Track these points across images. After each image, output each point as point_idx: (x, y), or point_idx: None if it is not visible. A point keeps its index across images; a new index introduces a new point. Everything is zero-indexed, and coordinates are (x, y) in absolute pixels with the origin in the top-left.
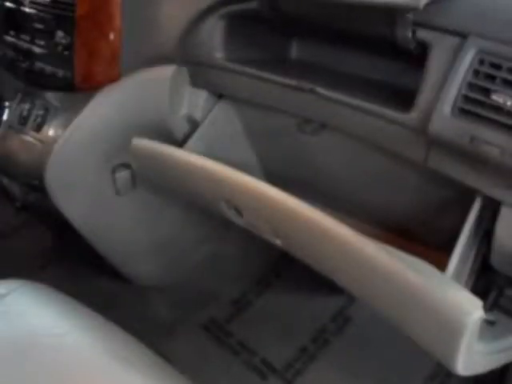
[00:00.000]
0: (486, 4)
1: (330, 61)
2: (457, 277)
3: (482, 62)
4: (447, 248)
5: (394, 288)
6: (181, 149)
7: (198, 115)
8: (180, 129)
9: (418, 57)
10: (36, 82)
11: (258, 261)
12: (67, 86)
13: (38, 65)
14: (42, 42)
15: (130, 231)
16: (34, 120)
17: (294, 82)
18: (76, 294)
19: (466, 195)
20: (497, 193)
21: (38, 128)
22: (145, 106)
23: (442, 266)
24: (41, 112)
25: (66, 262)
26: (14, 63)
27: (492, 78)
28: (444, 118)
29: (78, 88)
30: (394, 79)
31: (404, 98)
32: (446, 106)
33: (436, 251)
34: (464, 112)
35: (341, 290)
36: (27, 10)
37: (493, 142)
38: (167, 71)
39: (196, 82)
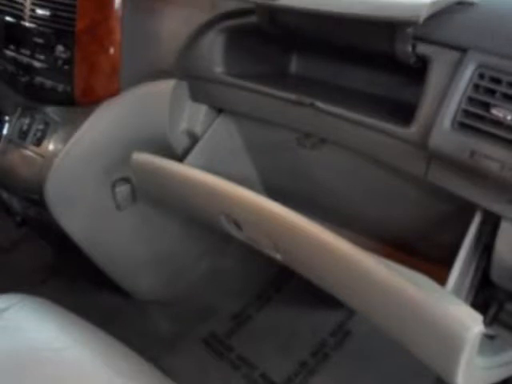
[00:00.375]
0: (486, 18)
1: (330, 75)
2: (457, 291)
3: (481, 76)
4: (447, 262)
5: (394, 302)
6: (181, 163)
7: (197, 129)
8: (180, 143)
9: (417, 71)
10: (36, 97)
11: (258, 275)
12: (67, 101)
13: (38, 79)
14: (42, 57)
15: (130, 245)
16: (34, 134)
17: (293, 97)
18: (76, 308)
19: (466, 209)
20: (497, 207)
21: (38, 142)
22: (145, 121)
23: (441, 280)
24: (41, 126)
25: (65, 277)
26: (14, 77)
27: (492, 92)
28: (444, 133)
29: (77, 102)
30: (393, 93)
31: (404, 113)
32: (446, 121)
33: (436, 265)
34: (464, 126)
35: (340, 304)
36: (27, 24)
37: (493, 156)
38: (167, 85)
39: (196, 96)
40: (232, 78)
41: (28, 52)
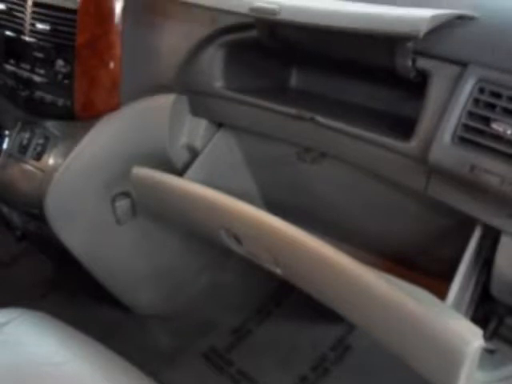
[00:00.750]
0: (486, 33)
1: (330, 89)
2: (457, 305)
3: (482, 90)
4: (447, 276)
5: (394, 317)
6: (181, 177)
7: (197, 144)
8: (180, 157)
9: (417, 85)
10: (36, 111)
11: (258, 290)
12: (67, 115)
13: (38, 93)
14: (42, 71)
15: (130, 260)
16: (34, 149)
17: (293, 111)
18: (76, 322)
19: (466, 224)
20: (497, 222)
21: (38, 157)
22: (145, 135)
23: (441, 294)
24: (41, 141)
25: (65, 291)
26: (14, 92)
27: (492, 106)
28: (444, 147)
29: (77, 117)
30: (393, 108)
31: (404, 127)
32: (446, 135)
33: (436, 279)
34: (464, 141)
35: (341, 318)
36: (27, 38)
37: (493, 170)
38: (167, 100)
39: (196, 110)
40: (232, 93)
41: (28, 66)
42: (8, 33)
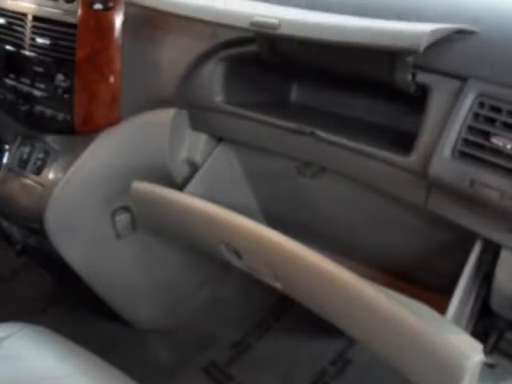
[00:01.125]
0: (486, 47)
1: (330, 104)
2: (457, 320)
3: (481, 105)
4: (447, 291)
5: (394, 331)
6: (181, 192)
7: (197, 158)
8: (180, 172)
9: (417, 99)
10: (36, 125)
11: (258, 304)
12: (67, 129)
13: (38, 108)
14: (42, 85)
15: (130, 274)
16: (34, 163)
17: (293, 126)
18: (76, 336)
19: (466, 238)
20: (496, 236)
21: (38, 171)
22: (145, 150)
23: (441, 309)
24: (41, 155)
25: (65, 305)
26: (14, 106)
27: (492, 121)
28: (444, 161)
29: (77, 131)
30: (393, 122)
31: (404, 141)
32: (446, 149)
33: (436, 294)
34: (464, 155)
35: (341, 333)
36: (27, 53)
37: (492, 185)
38: (167, 114)
39: (196, 125)
40: (232, 107)
41: (28, 81)
42: (8, 47)
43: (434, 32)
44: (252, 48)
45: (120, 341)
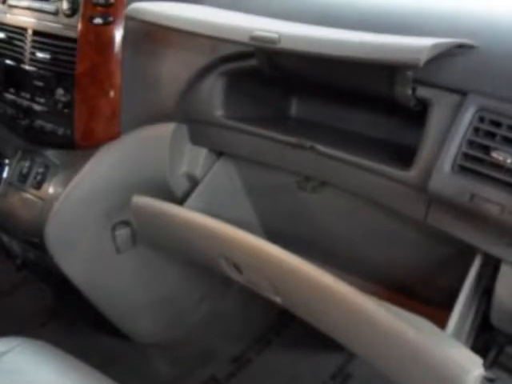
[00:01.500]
0: (486, 61)
1: (330, 118)
2: (457, 334)
3: (482, 119)
4: (447, 305)
5: (394, 345)
6: (181, 206)
7: (197, 173)
8: (180, 186)
9: (417, 114)
10: (36, 140)
11: (258, 318)
12: (67, 144)
13: (38, 122)
14: (42, 100)
15: (130, 288)
16: (34, 177)
17: (293, 140)
18: (76, 351)
19: (466, 252)
20: (497, 250)
21: (38, 185)
22: (145, 164)
23: (441, 323)
24: (41, 169)
25: (65, 320)
26: (14, 121)
27: (492, 135)
28: (444, 176)
29: (77, 145)
30: (393, 136)
31: (404, 155)
32: (446, 164)
33: (436, 308)
34: (464, 169)
35: (341, 347)
36: (27, 67)
37: (493, 199)
38: (167, 129)
39: (196, 139)
40: (232, 122)
41: (28, 95)
42: (8, 61)
43: (434, 46)
44: (252, 62)
45: (120, 355)
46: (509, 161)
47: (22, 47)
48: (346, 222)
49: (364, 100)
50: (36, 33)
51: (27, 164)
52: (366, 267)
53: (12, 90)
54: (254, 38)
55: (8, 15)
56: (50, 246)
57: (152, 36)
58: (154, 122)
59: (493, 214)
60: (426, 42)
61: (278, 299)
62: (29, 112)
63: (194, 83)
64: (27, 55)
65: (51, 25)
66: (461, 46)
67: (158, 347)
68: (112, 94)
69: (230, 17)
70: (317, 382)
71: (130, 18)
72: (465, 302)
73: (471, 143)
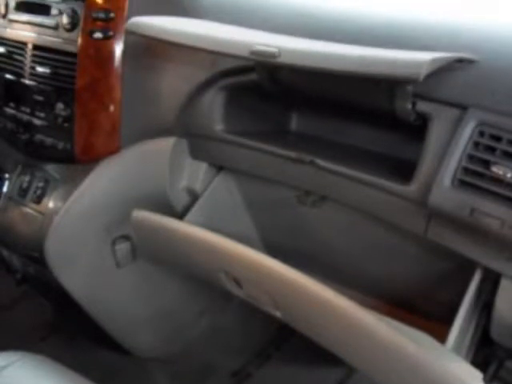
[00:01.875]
0: (486, 76)
1: (330, 132)
2: (457, 349)
3: (482, 133)
4: (447, 319)
5: (394, 360)
6: (181, 221)
7: (197, 187)
8: (180, 201)
9: (418, 128)
10: (36, 154)
11: (258, 333)
12: (67, 158)
13: (38, 137)
14: (42, 114)
15: (130, 303)
16: (34, 192)
17: (293, 155)
18: (76, 365)
19: (466, 267)
20: (497, 265)
21: (38, 200)
22: (145, 178)
23: (442, 337)
24: (41, 184)
25: (65, 334)
26: (14, 135)
27: (492, 149)
28: (444, 190)
29: (77, 160)
30: (393, 151)
31: (404, 170)
32: (446, 178)
33: (436, 323)
34: (464, 184)
35: (341, 361)
36: (27, 82)
37: (493, 214)
38: (167, 143)
39: (196, 154)
40: (232, 136)
41: (28, 109)
42: (8, 76)
43: (433, 61)
44: (252, 77)
45: (120, 369)
46: (509, 175)
47: (22, 61)
48: (346, 237)
49: (364, 114)
50: (36, 47)
51: (27, 178)
52: (366, 281)
53: (12, 104)
54: (254, 53)
55: (8, 29)
56: (49, 261)
57: (152, 50)
58: (154, 136)
59: (493, 228)
60: (426, 56)
61: (278, 313)
62: (29, 126)
63: (194, 97)
64: (27, 69)
65: (51, 39)
66: (461, 61)
67: (158, 361)
68: (112, 108)
69: (230, 31)
70: None
71: (130, 33)
72: (465, 317)
73: (471, 157)
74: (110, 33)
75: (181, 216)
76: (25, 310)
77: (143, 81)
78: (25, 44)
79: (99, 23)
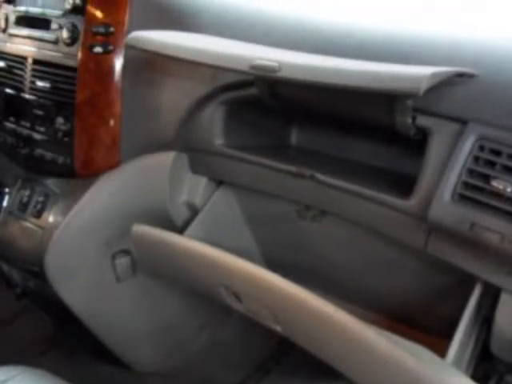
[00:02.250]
0: (486, 90)
1: (331, 147)
2: (457, 363)
3: (482, 148)
4: (447, 334)
5: (394, 374)
6: (181, 235)
7: (197, 201)
8: (180, 215)
9: (418, 142)
10: (36, 169)
11: (258, 347)
12: (67, 173)
13: (38, 151)
14: (42, 129)
15: (130, 317)
16: (34, 206)
17: (294, 169)
18: (76, 379)
19: (466, 281)
20: (497, 279)
21: (38, 214)
22: (145, 193)
23: (441, 352)
24: (41, 198)
25: (65, 348)
26: (14, 149)
27: (492, 164)
28: (444, 205)
29: (78, 174)
30: (393, 165)
31: (404, 184)
32: (446, 193)
33: (436, 337)
34: (464, 198)
35: (341, 376)
36: (27, 96)
37: (493, 228)
38: (167, 158)
39: (196, 168)
40: (232, 151)
41: (28, 124)
42: (8, 90)
43: (433, 75)
44: (252, 91)
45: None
46: (509, 189)
47: (22, 76)
48: (346, 251)
49: (364, 129)
50: (36, 61)
51: (27, 193)
52: (366, 296)
53: (12, 118)
54: (254, 67)
55: (8, 44)
56: (49, 275)
57: (152, 65)
58: (154, 150)
59: (493, 242)
60: (426, 70)
61: (278, 328)
62: (29, 141)
63: (194, 112)
64: (27, 84)
65: (51, 54)
66: (461, 75)
67: (158, 376)
68: (112, 122)
69: (231, 45)
70: None
71: (130, 47)
72: (465, 331)
73: (471, 172)
74: (110, 47)
75: (181, 230)
76: (25, 325)
77: (143, 95)
78: (25, 58)
79: (99, 38)
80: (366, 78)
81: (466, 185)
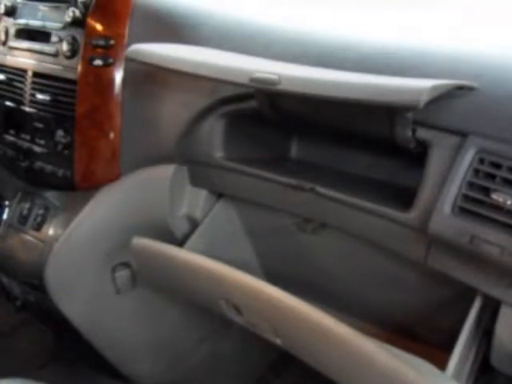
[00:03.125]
0: (486, 103)
1: (331, 160)
2: (457, 376)
3: (482, 161)
4: (447, 347)
5: None
6: (181, 248)
7: (197, 214)
8: (180, 228)
9: (418, 155)
10: (36, 181)
11: (258, 360)
12: (67, 185)
13: (38, 164)
14: (42, 141)
15: (130, 330)
16: (34, 219)
17: (293, 182)
18: None
19: (466, 294)
20: (497, 292)
21: (38, 227)
22: (145, 206)
23: (442, 365)
24: (41, 211)
25: (65, 361)
26: (13, 162)
27: (492, 177)
28: (444, 218)
29: (78, 187)
30: (393, 178)
31: (404, 197)
32: (446, 206)
33: (436, 350)
34: (464, 211)
35: None
36: (27, 109)
37: (493, 241)
38: (167, 170)
39: (196, 181)
40: (232, 163)
41: (28, 137)
42: (8, 103)
43: (434, 88)
44: (252, 104)
45: None
46: (509, 202)
47: (22, 89)
48: (346, 264)
49: (364, 141)
50: (36, 74)
51: (27, 206)
52: (366, 309)
53: (12, 131)
54: (254, 80)
55: (8, 57)
56: (49, 288)
57: (152, 77)
58: (154, 163)
59: (493, 255)
60: (426, 83)
61: (278, 341)
62: (29, 153)
63: (194, 125)
64: (27, 97)
65: (51, 66)
66: (461, 88)
67: None
68: (112, 135)
69: (230, 58)
70: None
71: (130, 60)
72: (465, 344)
73: (471, 185)
74: (110, 60)
75: (181, 243)
76: (25, 337)
77: (143, 108)
78: (25, 71)
79: (99, 50)
80: (365, 90)
81: (466, 197)
